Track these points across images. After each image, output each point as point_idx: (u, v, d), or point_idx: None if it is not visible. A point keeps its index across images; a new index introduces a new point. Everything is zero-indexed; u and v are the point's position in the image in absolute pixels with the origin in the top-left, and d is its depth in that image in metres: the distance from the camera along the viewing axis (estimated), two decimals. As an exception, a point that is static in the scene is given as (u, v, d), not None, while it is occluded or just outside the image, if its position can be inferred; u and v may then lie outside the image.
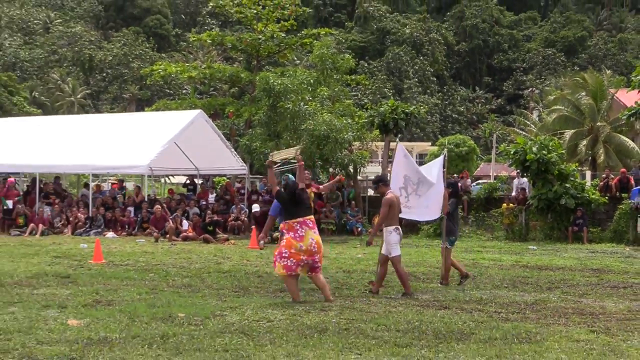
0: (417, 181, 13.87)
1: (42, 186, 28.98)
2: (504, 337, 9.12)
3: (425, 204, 14.12)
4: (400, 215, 13.69)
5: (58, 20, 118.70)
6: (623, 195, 25.84)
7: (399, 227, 12.86)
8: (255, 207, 25.37)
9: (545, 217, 25.58)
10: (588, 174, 42.88)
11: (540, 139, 27.12)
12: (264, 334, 9.08)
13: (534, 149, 25.45)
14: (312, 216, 11.93)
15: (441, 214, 14.06)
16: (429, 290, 13.30)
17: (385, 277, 13.25)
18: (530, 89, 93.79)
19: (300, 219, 11.67)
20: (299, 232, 11.57)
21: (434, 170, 14.40)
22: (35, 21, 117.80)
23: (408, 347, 8.49)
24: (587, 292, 13.38)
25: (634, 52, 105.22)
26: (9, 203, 27.23)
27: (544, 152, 25.28)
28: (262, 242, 14.75)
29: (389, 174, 13.98)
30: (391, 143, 30.09)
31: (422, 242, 23.98)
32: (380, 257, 13.05)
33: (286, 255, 11.52)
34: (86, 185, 29.58)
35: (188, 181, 32.90)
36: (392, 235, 12.73)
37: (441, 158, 14.63)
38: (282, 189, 12.25)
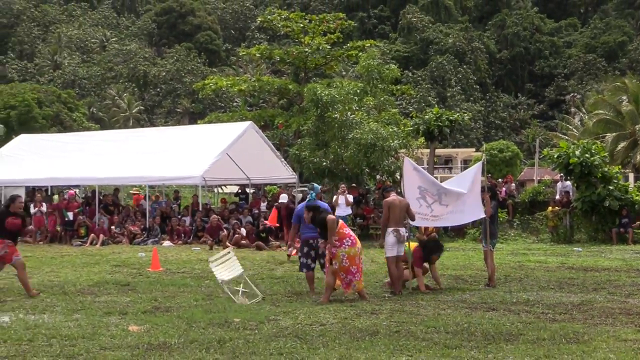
0: (438, 192, 13.98)
1: (101, 198, 29.34)
2: (552, 338, 9.07)
3: (461, 208, 14.28)
4: (431, 224, 14.00)
5: (114, 39, 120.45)
6: (667, 196, 25.51)
7: (399, 229, 13.11)
8: (283, 198, 24.62)
9: (590, 219, 25.31)
10: (631, 176, 42.27)
11: (583, 143, 26.83)
12: (317, 338, 9.10)
13: (577, 152, 25.26)
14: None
15: (484, 216, 14.03)
16: (476, 292, 13.20)
17: (401, 277, 13.35)
18: (572, 94, 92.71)
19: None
20: (350, 235, 12.23)
21: (469, 177, 14.47)
22: (92, 40, 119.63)
23: (458, 349, 8.47)
24: (633, 292, 13.21)
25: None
26: (70, 215, 27.59)
27: (586, 155, 25.08)
28: (292, 249, 14.89)
29: (403, 187, 14.02)
30: (435, 150, 29.94)
31: (469, 245, 23.81)
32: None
33: (354, 270, 12.07)
34: (158, 200, 29.86)
35: (240, 190, 33.05)
36: (389, 237, 13.12)
37: (479, 164, 14.69)
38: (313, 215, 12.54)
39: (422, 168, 15.97)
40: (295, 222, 13.68)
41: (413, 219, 13.54)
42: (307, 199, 13.47)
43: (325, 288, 12.30)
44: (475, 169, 14.77)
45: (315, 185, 14.14)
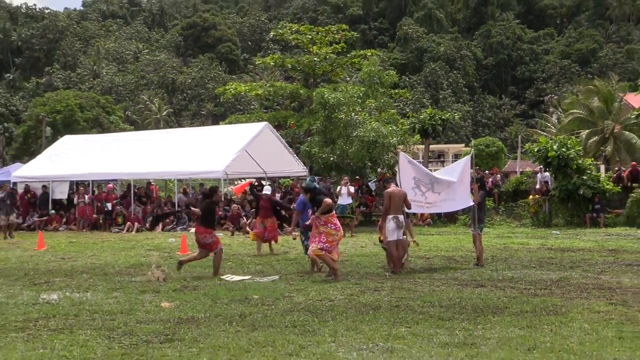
0: (430, 181, 14.04)
1: (135, 190, 29.43)
2: (534, 310, 9.07)
3: (452, 197, 14.34)
4: (426, 211, 14.05)
5: (145, 51, 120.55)
6: (634, 185, 25.48)
7: (398, 216, 13.13)
8: (267, 190, 24.12)
9: (566, 205, 25.29)
10: (602, 167, 42.14)
11: (560, 138, 26.83)
12: (326, 312, 9.10)
13: (555, 147, 25.30)
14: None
15: (472, 203, 14.07)
16: (467, 271, 13.19)
17: (401, 258, 13.33)
18: (550, 95, 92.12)
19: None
20: (336, 223, 12.26)
21: (457, 169, 14.52)
22: (126, 52, 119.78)
23: (450, 321, 8.47)
24: (604, 269, 13.18)
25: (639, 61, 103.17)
26: (109, 205, 27.69)
27: (563, 149, 25.12)
28: (294, 233, 14.92)
29: (397, 177, 14.01)
30: (430, 146, 29.89)
31: (460, 230, 23.79)
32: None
33: (323, 241, 12.07)
34: (185, 192, 29.82)
35: (256, 183, 33.07)
36: (389, 223, 13.14)
37: (467, 158, 14.71)
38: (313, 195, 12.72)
39: (417, 162, 15.95)
40: (299, 209, 13.85)
41: (409, 207, 13.56)
42: (306, 183, 13.70)
43: (330, 268, 12.32)
44: (464, 161, 14.76)
45: (310, 179, 14.36)
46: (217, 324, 8.40)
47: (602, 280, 11.76)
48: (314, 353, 6.98)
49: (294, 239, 15.86)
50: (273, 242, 17.19)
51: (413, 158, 17.63)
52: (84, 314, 9.18)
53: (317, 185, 13.67)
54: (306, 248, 13.46)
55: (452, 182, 14.11)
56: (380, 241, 14.24)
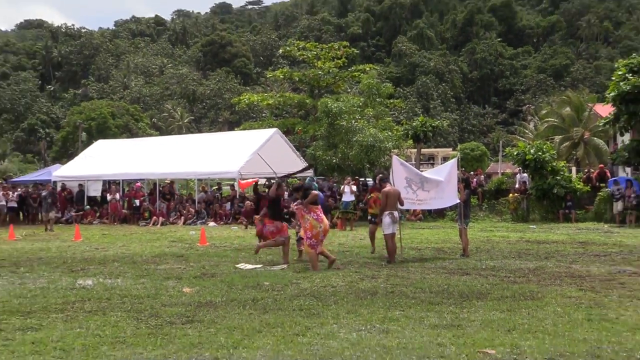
0: (420, 180, 14.08)
1: (160, 189, 29.45)
2: (513, 296, 9.05)
3: (441, 195, 14.36)
4: (417, 207, 14.05)
5: (169, 65, 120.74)
6: (601, 185, 25.38)
7: (393, 212, 13.11)
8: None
9: (542, 203, 25.23)
10: (574, 169, 42.06)
11: (536, 144, 26.77)
12: (329, 297, 9.10)
13: (532, 151, 25.27)
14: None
15: (459, 201, 14.08)
16: (454, 261, 13.17)
17: (395, 250, 13.26)
18: (527, 105, 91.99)
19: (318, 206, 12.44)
20: (319, 215, 12.15)
21: (444, 170, 14.58)
22: (153, 66, 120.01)
23: (439, 305, 8.45)
24: (575, 259, 13.15)
25: (606, 75, 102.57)
26: (137, 202, 27.72)
27: (539, 153, 25.09)
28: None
29: (391, 177, 13.98)
30: (422, 150, 29.85)
31: (447, 224, 23.72)
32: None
33: (309, 236, 11.98)
34: (204, 191, 29.73)
35: (267, 183, 32.97)
36: (385, 218, 13.12)
37: (454, 161, 14.75)
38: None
39: (410, 164, 15.97)
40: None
41: (402, 204, 13.55)
42: (307, 183, 13.87)
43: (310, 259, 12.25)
44: (451, 164, 14.78)
45: (309, 179, 14.42)
46: (232, 308, 8.40)
47: (573, 269, 11.74)
48: (318, 333, 6.97)
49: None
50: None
51: (406, 161, 17.66)
52: (115, 298, 9.19)
53: (315, 185, 13.74)
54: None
55: (440, 181, 14.12)
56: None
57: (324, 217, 12.31)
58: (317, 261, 12.02)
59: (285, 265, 12.56)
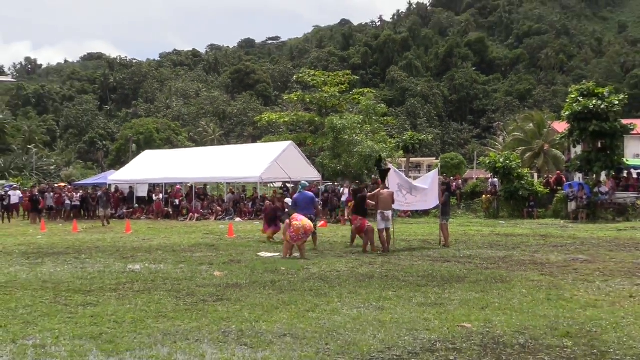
0: (409, 187, 14.20)
1: (196, 191, 29.46)
2: (486, 280, 9.00)
3: (424, 199, 14.50)
4: (405, 208, 14.08)
5: (204, 89, 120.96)
6: (558, 188, 25.19)
7: (384, 212, 13.01)
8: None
9: (509, 203, 25.06)
10: (535, 175, 41.90)
11: (504, 154, 26.63)
12: (334, 279, 9.08)
13: (501, 160, 25.14)
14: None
15: (439, 203, 14.13)
16: (437, 250, 13.11)
17: (389, 241, 13.13)
18: (497, 122, 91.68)
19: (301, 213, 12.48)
20: (296, 218, 12.06)
21: (429, 178, 14.76)
22: (190, 90, 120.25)
23: (425, 287, 8.42)
24: (537, 250, 13.06)
25: (562, 98, 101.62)
26: (177, 201, 27.70)
27: (507, 162, 24.95)
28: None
29: (388, 183, 13.88)
30: (410, 159, 29.71)
31: (432, 220, 23.54)
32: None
33: (291, 231, 11.83)
34: (232, 192, 29.63)
35: (283, 186, 32.95)
36: (378, 216, 13.03)
37: (435, 170, 15.15)
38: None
39: (401, 171, 15.97)
40: (292, 207, 13.84)
41: (393, 203, 13.51)
42: (298, 190, 13.72)
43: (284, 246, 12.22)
44: (433, 173, 15.07)
45: (303, 182, 14.26)
46: (254, 288, 8.40)
47: (536, 258, 11.66)
48: (325, 310, 6.95)
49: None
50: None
51: (397, 169, 17.61)
52: (158, 280, 9.20)
53: (305, 193, 13.69)
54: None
55: (425, 188, 14.26)
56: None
57: (304, 220, 11.99)
58: (288, 250, 11.98)
59: (298, 254, 12.50)
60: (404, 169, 34.82)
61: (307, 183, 14.23)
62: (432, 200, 14.48)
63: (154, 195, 28.38)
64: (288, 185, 32.03)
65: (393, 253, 12.72)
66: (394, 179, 13.97)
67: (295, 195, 14.06)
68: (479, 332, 5.98)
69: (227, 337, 5.84)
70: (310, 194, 13.66)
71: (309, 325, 6.23)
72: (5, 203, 27.14)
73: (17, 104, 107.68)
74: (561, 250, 12.86)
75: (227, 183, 29.90)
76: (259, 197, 27.40)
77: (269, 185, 41.61)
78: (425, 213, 25.75)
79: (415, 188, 14.21)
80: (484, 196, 26.20)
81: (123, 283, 8.94)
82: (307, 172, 30.17)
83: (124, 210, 28.40)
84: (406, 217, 25.27)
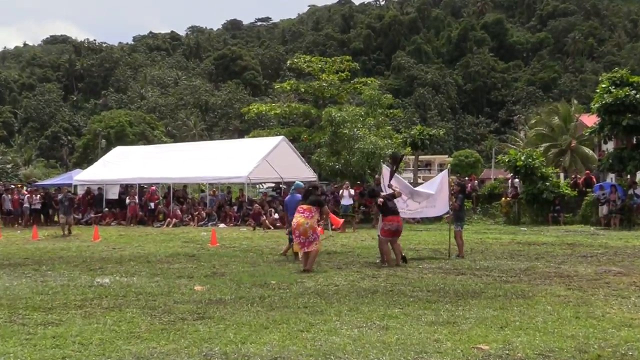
0: (410, 192, 14.13)
1: (174, 193, 29.40)
2: (505, 295, 8.97)
3: (432, 204, 14.42)
4: (407, 216, 14.09)
5: (184, 77, 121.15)
6: (587, 190, 25.26)
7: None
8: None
9: (532, 207, 25.12)
10: (562, 175, 42.05)
11: (526, 151, 26.66)
12: (332, 295, 9.03)
13: (522, 158, 25.14)
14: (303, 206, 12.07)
15: (449, 209, 14.08)
16: (449, 261, 13.10)
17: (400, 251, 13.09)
18: (518, 115, 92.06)
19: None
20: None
21: (435, 182, 14.70)
22: (168, 78, 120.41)
23: (436, 303, 8.38)
24: (564, 260, 13.06)
25: (591, 88, 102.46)
26: (152, 205, 27.67)
27: (529, 160, 24.97)
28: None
29: (382, 188, 13.81)
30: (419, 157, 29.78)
31: (444, 227, 23.45)
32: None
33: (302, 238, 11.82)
34: (215, 194, 29.57)
35: (274, 186, 33.01)
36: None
37: (444, 172, 14.94)
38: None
39: (409, 171, 16.04)
40: (285, 210, 13.81)
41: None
42: (290, 192, 13.70)
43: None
44: (441, 176, 14.87)
45: (298, 182, 14.17)
46: (241, 305, 8.35)
47: (562, 269, 11.65)
48: (321, 330, 6.92)
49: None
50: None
51: (405, 167, 17.63)
52: (130, 295, 9.14)
53: (295, 196, 13.69)
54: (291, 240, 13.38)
55: (430, 194, 14.20)
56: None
57: (297, 217, 11.92)
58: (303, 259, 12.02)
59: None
60: (412, 168, 34.92)
61: (301, 184, 14.16)
62: (441, 206, 14.43)
63: (128, 198, 28.30)
64: (281, 186, 32.06)
65: (405, 266, 12.67)
66: (392, 183, 13.91)
67: (286, 198, 14.06)
68: (497, 354, 5.96)
69: (209, 361, 5.81)
70: (299, 196, 13.61)
71: (302, 347, 6.19)
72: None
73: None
74: (591, 261, 12.87)
75: (209, 184, 29.86)
76: (247, 200, 27.38)
77: (257, 186, 41.64)
78: (437, 218, 25.80)
79: (417, 193, 14.20)
80: (503, 199, 26.25)
81: (90, 299, 8.89)
82: (301, 172, 30.15)
83: (92, 215, 28.35)
84: (414, 223, 25.28)
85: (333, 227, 14.93)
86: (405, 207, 14.02)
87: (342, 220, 14.45)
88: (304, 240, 11.73)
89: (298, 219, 11.84)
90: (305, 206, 11.92)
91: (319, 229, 12.13)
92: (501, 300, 8.60)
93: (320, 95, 38.94)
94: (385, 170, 14.12)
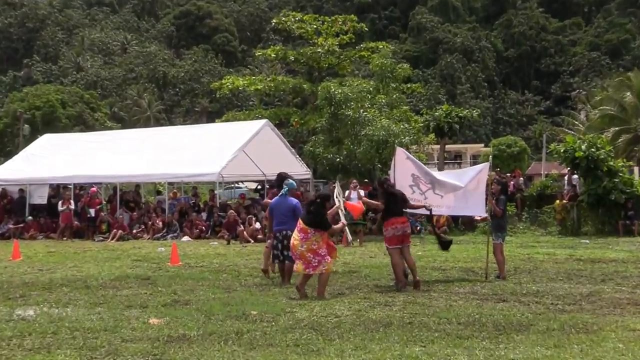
0: (431, 181, 14.03)
1: (122, 195, 29.34)
2: (562, 328, 8.99)
3: (463, 203, 14.43)
4: (422, 212, 14.21)
5: (134, 42, 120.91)
6: (672, 189, 25.29)
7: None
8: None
9: (596, 212, 25.15)
10: (636, 169, 42.02)
11: (588, 138, 26.66)
12: (332, 329, 9.04)
13: (583, 147, 25.14)
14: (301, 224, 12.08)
15: (487, 213, 14.06)
16: (487, 284, 13.10)
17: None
18: (577, 90, 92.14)
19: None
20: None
21: (469, 175, 14.64)
22: (113, 43, 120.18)
23: (469, 339, 8.39)
24: (640, 283, 13.09)
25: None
26: (92, 211, 27.61)
27: (592, 149, 24.96)
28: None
29: (391, 175, 13.89)
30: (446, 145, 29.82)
31: (479, 238, 23.58)
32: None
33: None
34: (159, 192, 29.58)
35: (259, 186, 33.02)
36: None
37: (483, 166, 14.88)
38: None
39: (433, 163, 16.03)
40: (270, 215, 13.71)
41: (411, 207, 13.57)
42: (280, 193, 13.55)
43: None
44: (479, 169, 14.84)
45: (291, 181, 14.10)
46: (211, 343, 8.34)
47: (638, 295, 11.69)
48: (318, 376, 6.92)
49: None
50: None
51: (428, 159, 17.66)
52: (63, 332, 9.11)
53: (289, 200, 13.63)
54: (275, 256, 13.45)
55: (459, 187, 14.13)
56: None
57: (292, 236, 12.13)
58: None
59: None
60: (436, 161, 35.02)
61: (294, 183, 14.08)
62: (475, 205, 14.47)
63: (58, 203, 28.23)
64: (266, 186, 32.04)
65: (421, 288, 12.68)
66: (407, 167, 13.90)
67: (272, 200, 13.98)
68: (552, 408, 5.96)
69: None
70: (293, 200, 13.57)
71: (293, 400, 6.19)
72: None
73: None
74: (676, 284, 12.90)
75: (169, 184, 29.85)
76: (218, 205, 27.37)
77: (233, 186, 41.64)
78: (469, 227, 25.86)
79: (442, 184, 14.10)
80: (557, 202, 26.30)
81: (7, 338, 8.86)
82: (290, 166, 30.13)
83: (9, 226, 28.27)
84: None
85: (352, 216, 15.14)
86: (423, 200, 13.95)
87: (360, 206, 14.46)
88: (306, 264, 11.78)
89: (293, 239, 11.94)
90: (302, 225, 11.88)
91: (325, 246, 11.95)
92: (556, 335, 8.62)
93: (315, 65, 38.98)
94: (401, 155, 14.09)
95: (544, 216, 26.82)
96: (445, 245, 14.57)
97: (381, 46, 38.81)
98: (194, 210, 27.82)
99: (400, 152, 14.30)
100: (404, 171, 13.86)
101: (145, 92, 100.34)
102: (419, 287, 12.62)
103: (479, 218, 15.70)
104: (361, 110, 27.96)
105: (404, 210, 13.21)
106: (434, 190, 13.99)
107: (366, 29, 45.17)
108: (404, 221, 12.97)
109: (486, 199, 14.15)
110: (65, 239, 26.60)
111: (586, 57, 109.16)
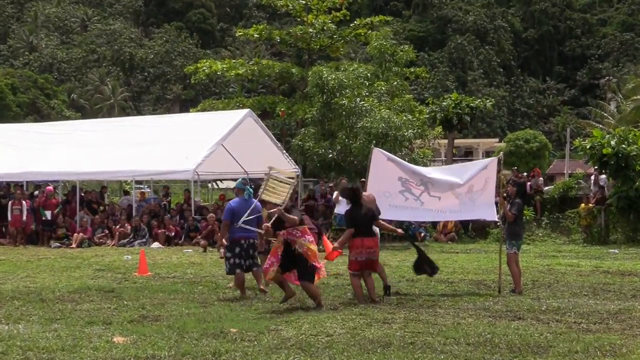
0: (422, 182, 13.96)
1: (82, 194, 29.28)
2: (586, 350, 9.02)
3: (470, 207, 14.45)
4: (429, 219, 14.22)
5: (96, 18, 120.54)
6: None
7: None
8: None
9: (627, 217, 25.19)
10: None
11: (619, 132, 26.68)
12: (323, 350, 9.08)
13: (612, 142, 25.13)
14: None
15: (498, 218, 14.10)
16: (500, 299, 13.16)
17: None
18: (607, 77, 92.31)
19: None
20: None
21: (472, 170, 14.51)
22: (72, 19, 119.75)
23: (480, 362, 8.45)
24: (676, 299, 13.17)
25: None
26: (48, 214, 27.54)
27: (623, 145, 24.96)
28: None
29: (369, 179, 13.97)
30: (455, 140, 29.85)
31: (491, 247, 23.68)
32: None
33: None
34: (126, 193, 29.59)
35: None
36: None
37: (493, 160, 14.87)
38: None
39: (440, 160, 16.03)
40: (227, 219, 13.71)
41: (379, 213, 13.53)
42: (242, 195, 13.74)
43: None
44: (486, 163, 14.78)
45: (239, 182, 14.30)
46: (184, 365, 8.37)
47: (672, 312, 11.76)
48: (306, 402, 6.97)
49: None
50: None
51: (434, 155, 17.69)
52: (14, 352, 9.13)
53: (252, 201, 13.70)
54: (234, 266, 13.62)
55: (458, 184, 14.10)
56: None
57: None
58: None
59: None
60: (444, 158, 35.09)
61: (245, 186, 14.13)
62: (483, 207, 14.46)
63: (8, 204, 28.17)
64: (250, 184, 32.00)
65: (425, 303, 12.74)
66: (390, 170, 13.87)
67: (233, 202, 14.04)
68: None
69: None
70: (259, 203, 13.62)
71: None
72: None
73: None
74: None
75: (137, 182, 29.82)
76: (194, 207, 27.36)
77: (210, 185, 41.61)
78: (481, 234, 25.93)
79: (435, 183, 14.09)
80: (582, 205, 26.39)
81: (-48, 357, 8.89)
82: (276, 162, 30.17)
83: (-46, 230, 28.22)
84: (447, 242, 25.40)
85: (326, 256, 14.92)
86: (420, 206, 13.96)
87: (335, 252, 13.98)
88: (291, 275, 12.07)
89: (309, 244, 12.31)
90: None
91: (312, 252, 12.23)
92: (579, 358, 8.68)
93: (304, 46, 38.97)
94: (381, 156, 14.06)
95: (566, 222, 26.87)
96: (419, 268, 14.34)
97: (376, 21, 38.55)
98: (165, 212, 27.80)
99: (377, 154, 14.18)
100: (386, 176, 13.78)
101: (108, 76, 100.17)
102: (389, 293, 13.24)
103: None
104: (358, 99, 27.95)
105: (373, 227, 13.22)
106: (429, 193, 13.95)
107: (363, 3, 45.15)
108: (372, 245, 12.94)
109: (501, 201, 14.16)
110: (16, 245, 26.53)
111: (618, 39, 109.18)
